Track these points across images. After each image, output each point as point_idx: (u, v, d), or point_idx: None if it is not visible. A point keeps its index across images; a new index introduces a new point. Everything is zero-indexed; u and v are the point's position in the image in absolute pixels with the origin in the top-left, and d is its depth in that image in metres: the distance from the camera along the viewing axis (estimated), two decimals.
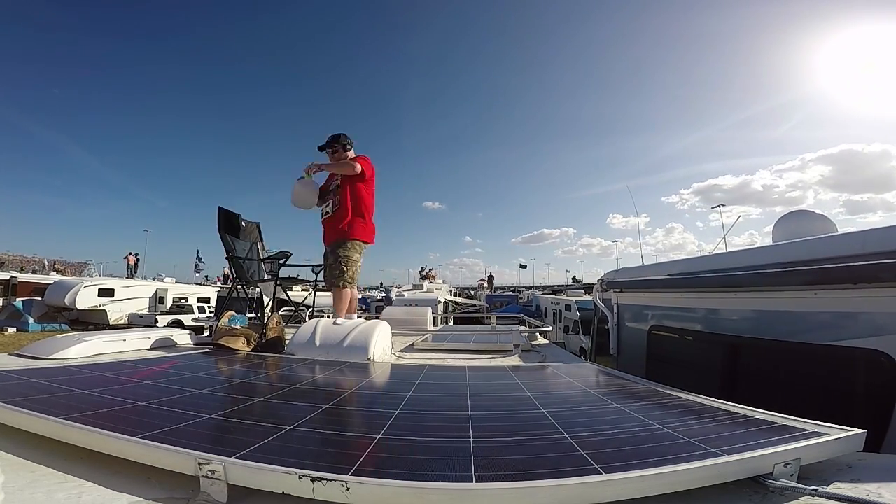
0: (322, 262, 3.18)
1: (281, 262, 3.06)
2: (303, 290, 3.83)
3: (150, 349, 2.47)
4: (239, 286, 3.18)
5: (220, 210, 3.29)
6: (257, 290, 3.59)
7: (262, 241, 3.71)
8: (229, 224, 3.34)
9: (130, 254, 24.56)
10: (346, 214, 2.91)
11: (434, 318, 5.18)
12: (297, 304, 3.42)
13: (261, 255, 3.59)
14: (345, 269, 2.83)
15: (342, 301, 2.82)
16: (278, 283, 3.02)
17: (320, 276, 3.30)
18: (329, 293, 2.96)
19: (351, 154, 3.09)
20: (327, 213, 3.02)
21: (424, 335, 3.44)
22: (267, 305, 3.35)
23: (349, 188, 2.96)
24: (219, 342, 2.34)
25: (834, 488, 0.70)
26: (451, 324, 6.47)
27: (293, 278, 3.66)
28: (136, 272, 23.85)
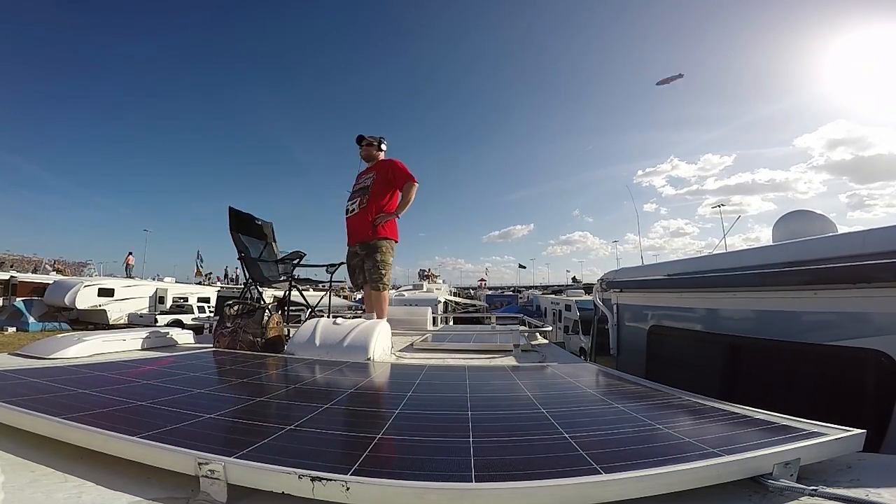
0: (338, 262, 3.37)
1: (295, 262, 3.05)
2: (314, 290, 3.82)
3: (150, 349, 2.47)
4: (252, 287, 3.15)
5: (231, 210, 3.27)
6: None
7: (275, 241, 3.69)
8: (241, 224, 3.31)
9: (130, 254, 25.09)
10: (373, 214, 3.06)
11: (434, 318, 5.18)
12: (307, 305, 3.40)
13: (275, 255, 3.57)
14: (383, 273, 2.99)
15: (382, 303, 2.98)
16: (293, 283, 3.01)
17: (335, 276, 3.46)
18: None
19: (382, 155, 3.23)
20: (353, 210, 3.10)
21: (424, 335, 3.43)
22: (274, 304, 3.35)
23: (380, 190, 3.06)
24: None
25: (834, 488, 0.70)
26: (451, 324, 6.47)
27: (308, 279, 3.64)
28: (130, 271, 24.04)
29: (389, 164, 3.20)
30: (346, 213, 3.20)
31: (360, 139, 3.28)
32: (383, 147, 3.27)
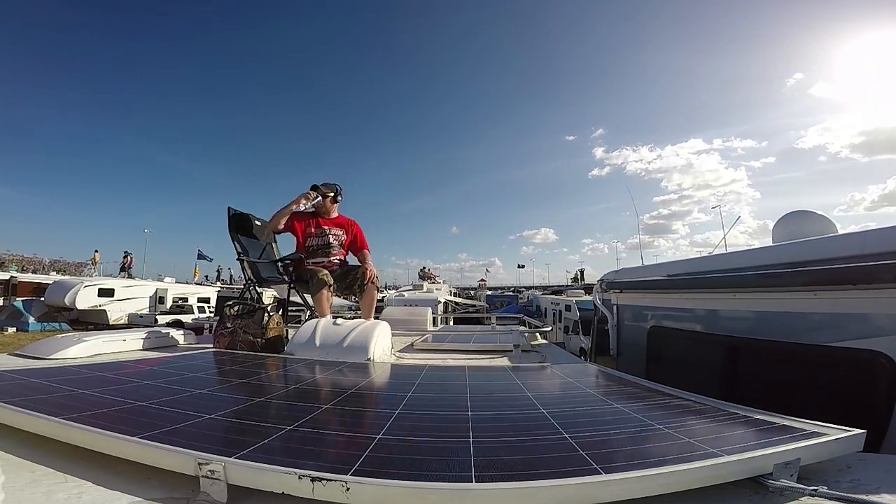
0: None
1: (295, 262, 3.04)
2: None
3: (150, 349, 2.47)
4: (251, 288, 3.15)
5: (230, 210, 3.26)
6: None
7: (276, 241, 3.68)
8: (240, 225, 3.30)
9: (128, 254, 25.42)
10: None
11: (434, 319, 5.18)
12: (307, 305, 3.39)
13: (276, 255, 3.57)
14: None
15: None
16: (292, 285, 3.00)
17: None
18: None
19: (337, 207, 3.24)
20: (332, 262, 3.11)
21: (424, 335, 3.44)
22: (272, 305, 3.35)
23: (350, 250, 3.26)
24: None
25: (834, 488, 0.70)
26: (451, 324, 6.47)
27: (308, 279, 3.64)
28: (126, 270, 24.19)
29: (355, 227, 3.23)
30: (322, 260, 3.09)
31: (314, 188, 3.14)
32: (339, 199, 3.21)
